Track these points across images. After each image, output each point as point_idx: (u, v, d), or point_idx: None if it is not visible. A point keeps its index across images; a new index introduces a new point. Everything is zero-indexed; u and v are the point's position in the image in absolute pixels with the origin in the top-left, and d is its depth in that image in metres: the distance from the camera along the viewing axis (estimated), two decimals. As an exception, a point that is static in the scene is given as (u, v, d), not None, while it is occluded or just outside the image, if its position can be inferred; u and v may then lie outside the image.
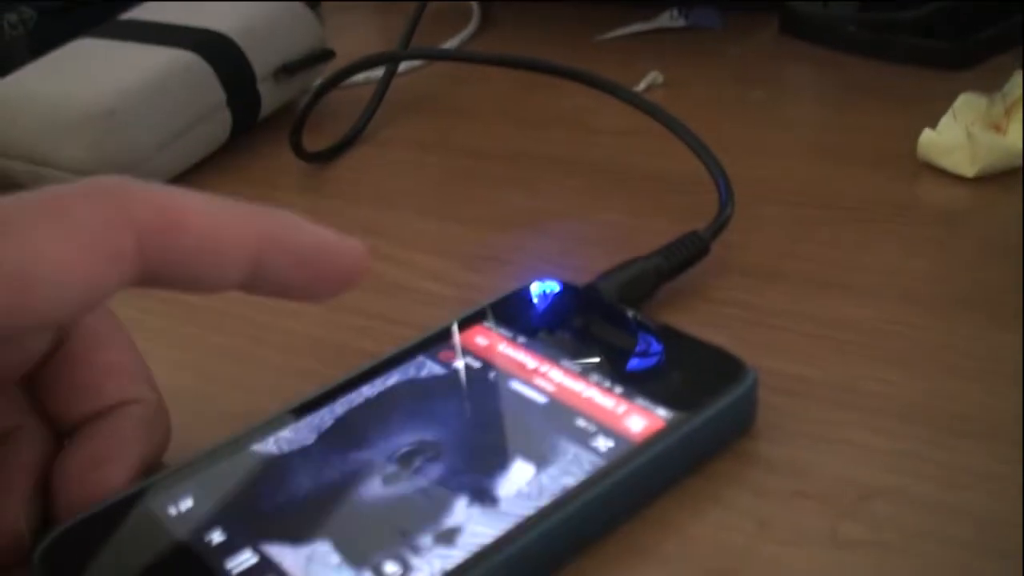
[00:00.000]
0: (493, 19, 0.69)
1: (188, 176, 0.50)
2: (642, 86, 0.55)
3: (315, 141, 0.51)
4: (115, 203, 0.25)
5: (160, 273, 0.25)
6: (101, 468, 0.28)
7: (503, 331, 0.34)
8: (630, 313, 0.34)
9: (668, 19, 0.63)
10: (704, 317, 0.37)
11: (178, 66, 0.49)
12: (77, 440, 0.29)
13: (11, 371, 0.29)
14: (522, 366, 0.32)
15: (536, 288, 0.36)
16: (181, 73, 0.49)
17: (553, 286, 0.36)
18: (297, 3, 0.56)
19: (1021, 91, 0.45)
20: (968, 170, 0.43)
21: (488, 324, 0.34)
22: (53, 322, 0.28)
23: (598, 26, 0.64)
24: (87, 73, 0.50)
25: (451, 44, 0.64)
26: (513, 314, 0.35)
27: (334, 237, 0.29)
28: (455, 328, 0.34)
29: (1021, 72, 0.46)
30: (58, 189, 0.25)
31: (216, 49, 0.51)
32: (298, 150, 0.49)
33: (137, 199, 0.25)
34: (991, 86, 0.47)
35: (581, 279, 0.37)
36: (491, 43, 0.65)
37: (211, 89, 0.50)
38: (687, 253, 0.38)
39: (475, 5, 0.69)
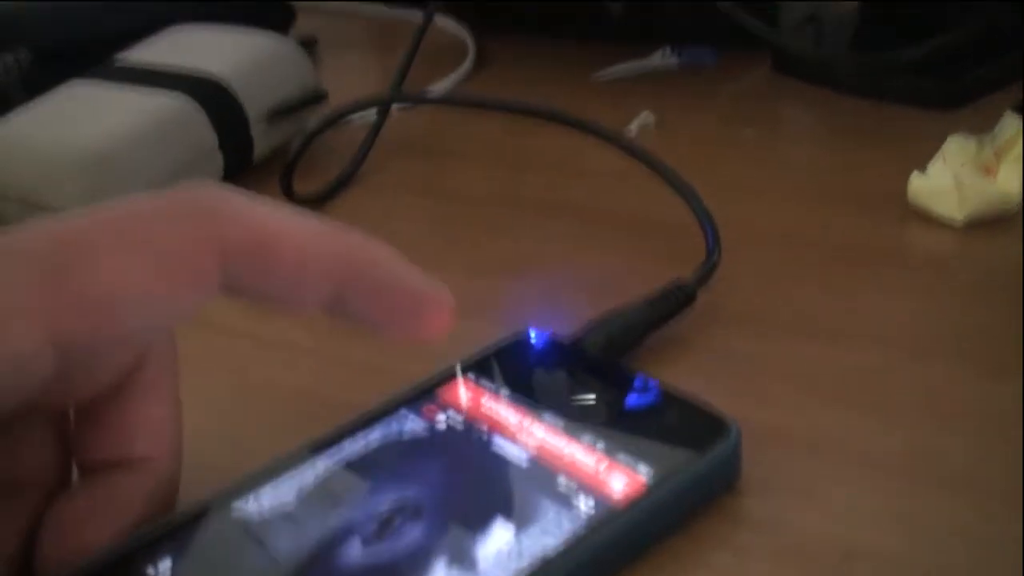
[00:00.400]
0: (488, 57, 0.69)
1: (180, 220, 0.50)
2: (633, 126, 0.55)
3: (309, 182, 0.51)
4: (204, 225, 0.25)
5: (240, 289, 0.25)
6: (89, 525, 0.28)
7: (487, 384, 0.34)
8: (615, 367, 0.34)
9: (661, 58, 0.63)
10: (690, 367, 0.37)
11: (170, 110, 0.50)
12: (82, 486, 0.29)
13: (76, 395, 0.28)
14: (505, 422, 0.32)
15: (521, 340, 0.36)
16: (173, 117, 0.50)
17: (539, 338, 0.36)
18: (290, 43, 0.56)
19: (1011, 133, 0.45)
20: (957, 215, 0.43)
21: (472, 377, 0.34)
22: (132, 343, 0.28)
23: (592, 64, 0.64)
24: (81, 117, 0.50)
25: (446, 83, 0.64)
26: (497, 367, 0.35)
27: (422, 282, 0.29)
28: (438, 382, 0.34)
29: (1011, 114, 0.46)
30: (142, 207, 0.24)
31: (208, 93, 0.51)
32: (289, 194, 0.49)
33: (228, 218, 0.25)
34: (983, 125, 0.47)
35: (568, 328, 0.37)
36: (486, 81, 0.65)
37: (203, 133, 0.50)
38: (673, 303, 0.38)
39: (470, 43, 0.69)
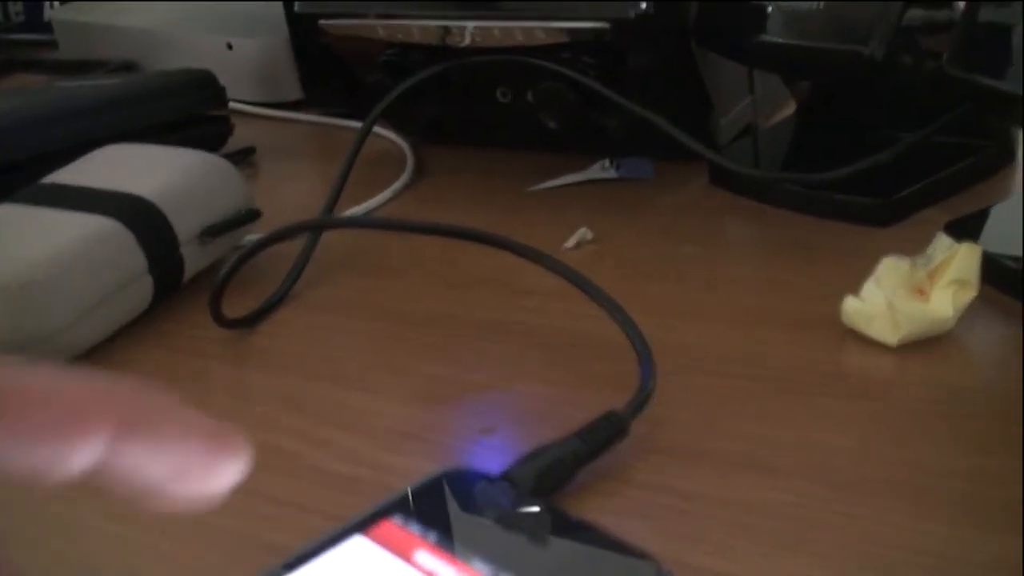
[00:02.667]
0: (427, 165, 0.69)
1: (107, 345, 0.49)
2: (572, 243, 0.55)
3: (241, 300, 0.50)
4: None
5: None
6: None
7: (412, 528, 0.33)
8: (544, 506, 0.33)
9: (600, 170, 0.63)
10: (623, 503, 0.36)
11: (98, 234, 0.49)
12: None
13: None
14: (431, 568, 0.31)
15: (450, 478, 0.35)
16: (101, 242, 0.49)
17: (468, 476, 0.35)
18: (222, 161, 0.55)
19: (942, 257, 0.45)
20: (891, 338, 0.43)
21: (396, 520, 0.33)
22: None
23: (531, 174, 0.64)
24: (3, 242, 0.49)
25: (384, 195, 0.63)
26: (422, 509, 0.34)
27: (208, 431, 0.26)
28: (361, 526, 0.33)
29: (942, 235, 0.46)
30: None
31: (138, 215, 0.50)
32: (218, 318, 0.48)
33: None
34: (918, 240, 0.47)
35: (501, 459, 0.36)
36: (424, 192, 0.65)
37: (132, 256, 0.49)
38: (606, 435, 0.37)
39: (409, 154, 0.69)
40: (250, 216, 0.55)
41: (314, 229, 0.53)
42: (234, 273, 0.47)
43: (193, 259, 0.53)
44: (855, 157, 0.53)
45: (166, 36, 0.88)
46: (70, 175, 0.54)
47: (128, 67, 0.89)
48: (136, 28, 0.91)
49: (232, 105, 0.75)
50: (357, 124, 0.75)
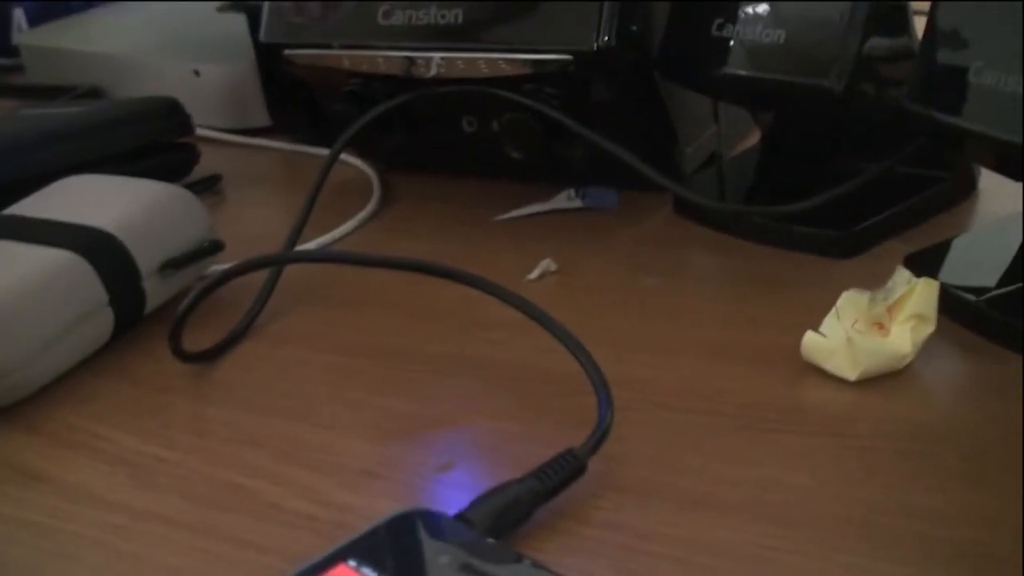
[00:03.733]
0: (392, 195, 0.69)
1: (67, 378, 0.49)
2: (535, 274, 0.55)
3: (202, 333, 0.50)
4: None
5: None
6: None
7: (366, 571, 0.33)
8: (500, 547, 0.33)
9: (565, 200, 0.63)
10: (579, 542, 0.36)
11: (56, 268, 0.48)
12: None
13: None
14: (386, 613, 0.31)
15: (408, 519, 0.35)
16: (60, 275, 0.48)
17: (425, 517, 0.35)
18: (184, 192, 0.55)
19: (902, 291, 0.45)
20: (850, 374, 0.43)
21: (351, 563, 0.33)
22: None
23: (496, 203, 0.64)
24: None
25: (350, 224, 0.63)
26: (378, 551, 0.34)
27: None
28: (318, 568, 0.33)
29: (901, 269, 0.46)
30: None
31: (98, 247, 0.50)
32: (178, 352, 0.48)
33: None
34: (879, 271, 0.48)
35: (459, 497, 0.36)
36: (390, 221, 0.65)
37: (92, 290, 0.49)
38: (563, 474, 0.37)
39: (375, 183, 0.69)
40: (213, 248, 0.54)
41: (275, 264, 0.53)
42: (193, 308, 0.47)
43: (155, 292, 0.52)
44: (818, 187, 0.54)
45: (134, 62, 0.88)
46: (30, 207, 0.54)
47: (95, 93, 0.89)
48: (104, 54, 0.91)
49: (199, 131, 0.75)
50: (324, 151, 0.75)
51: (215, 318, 0.52)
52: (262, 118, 0.82)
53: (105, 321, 0.50)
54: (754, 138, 0.68)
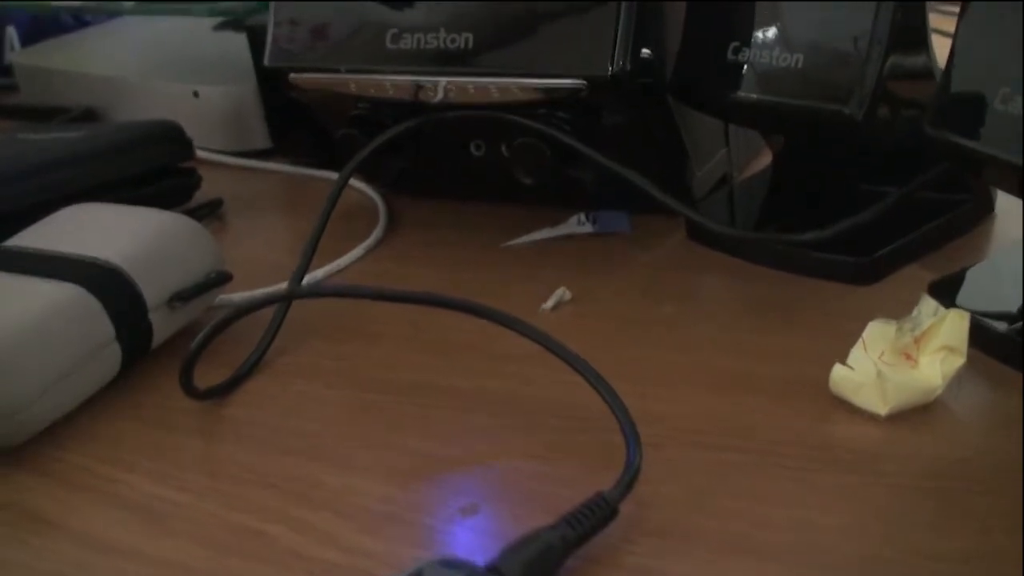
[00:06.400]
0: (399, 220, 0.68)
1: (74, 416, 0.47)
2: (550, 304, 0.54)
3: (210, 368, 0.49)
4: None
5: None
6: None
7: (398, 627, 0.32)
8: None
9: (576, 224, 0.63)
10: (613, 592, 0.35)
11: (63, 303, 0.47)
12: None
13: None
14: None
15: (436, 569, 0.34)
16: (66, 311, 0.47)
17: (452, 565, 0.34)
18: (191, 222, 0.54)
19: (929, 322, 0.44)
20: (880, 408, 0.43)
21: (382, 619, 0.32)
22: None
23: (507, 228, 0.63)
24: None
25: (356, 251, 0.62)
26: (409, 604, 0.33)
27: None
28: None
29: (927, 298, 0.45)
30: None
31: (104, 281, 0.49)
32: (189, 390, 0.47)
33: None
34: (900, 297, 0.47)
35: (485, 542, 0.35)
36: (398, 247, 0.64)
37: (99, 325, 0.48)
38: (595, 519, 0.36)
39: (381, 209, 0.67)
40: (221, 279, 0.53)
41: (287, 299, 0.52)
42: (204, 347, 0.46)
43: (162, 325, 0.51)
44: (832, 208, 0.53)
45: (131, 83, 0.87)
46: (33, 238, 0.53)
47: (90, 115, 0.88)
48: (100, 74, 0.89)
49: (199, 154, 0.74)
50: (327, 174, 0.74)
51: (223, 353, 0.51)
52: (263, 140, 0.81)
53: (112, 357, 0.49)
54: (766, 159, 0.67)
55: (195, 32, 0.90)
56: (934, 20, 0.53)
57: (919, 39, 0.52)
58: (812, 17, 0.52)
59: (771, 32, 0.54)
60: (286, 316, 0.52)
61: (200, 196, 0.71)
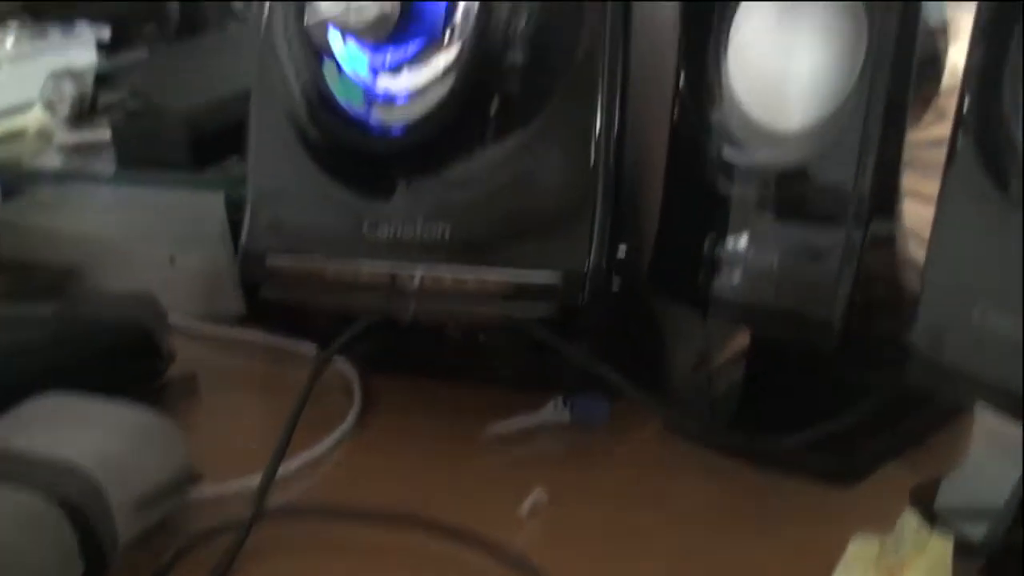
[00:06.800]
0: (374, 401, 0.66)
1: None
2: (526, 508, 0.53)
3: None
4: None
5: None
6: None
7: None
8: None
9: (553, 410, 0.62)
10: None
11: (27, 515, 0.46)
12: None
13: None
14: None
15: None
16: (29, 523, 0.46)
17: None
18: (164, 423, 0.53)
19: (913, 539, 0.43)
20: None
21: None
22: None
23: (484, 410, 0.62)
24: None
25: (328, 441, 0.61)
26: None
27: None
28: None
29: (910, 514, 0.45)
30: None
31: (71, 489, 0.47)
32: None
33: None
34: (881, 501, 0.48)
35: None
36: (372, 437, 0.63)
37: (62, 535, 0.46)
38: None
39: (357, 391, 0.67)
40: (189, 481, 0.52)
41: (246, 526, 0.50)
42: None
43: (126, 529, 0.50)
44: (812, 394, 0.53)
45: (108, 245, 0.86)
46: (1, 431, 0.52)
47: (69, 274, 0.87)
48: (78, 234, 0.89)
49: (173, 321, 0.73)
50: (303, 345, 0.73)
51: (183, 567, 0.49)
52: (237, 306, 0.81)
53: (73, 569, 0.47)
54: (744, 341, 0.67)
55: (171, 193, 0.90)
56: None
57: (893, 247, 0.52)
58: (785, 227, 0.53)
59: (746, 230, 0.54)
60: (246, 540, 0.51)
61: (176, 366, 0.70)
